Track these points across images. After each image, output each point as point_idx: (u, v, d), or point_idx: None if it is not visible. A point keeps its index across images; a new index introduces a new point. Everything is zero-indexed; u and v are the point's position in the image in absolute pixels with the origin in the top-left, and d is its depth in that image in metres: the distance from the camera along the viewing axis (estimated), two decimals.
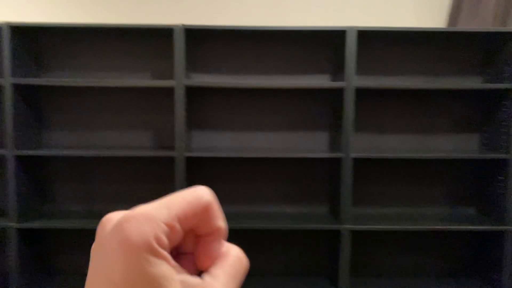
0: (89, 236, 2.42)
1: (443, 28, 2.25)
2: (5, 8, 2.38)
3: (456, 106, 2.41)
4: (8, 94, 2.07)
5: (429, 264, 2.47)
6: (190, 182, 2.34)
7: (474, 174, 2.44)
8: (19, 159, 2.14)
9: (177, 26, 2.06)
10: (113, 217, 0.29)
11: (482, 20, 3.10)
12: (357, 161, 2.21)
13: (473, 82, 2.40)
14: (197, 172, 2.42)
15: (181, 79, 2.10)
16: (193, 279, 0.29)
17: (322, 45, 2.38)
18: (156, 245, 0.26)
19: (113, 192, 2.42)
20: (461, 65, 2.40)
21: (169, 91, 2.36)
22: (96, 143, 2.40)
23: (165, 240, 0.27)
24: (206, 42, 2.37)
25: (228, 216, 2.34)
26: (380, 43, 2.39)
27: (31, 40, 2.27)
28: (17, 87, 2.12)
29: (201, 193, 0.31)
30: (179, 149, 2.13)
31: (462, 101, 2.41)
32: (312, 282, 2.38)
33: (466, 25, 3.23)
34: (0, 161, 2.38)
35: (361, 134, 2.41)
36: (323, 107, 2.41)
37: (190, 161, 2.32)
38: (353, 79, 2.12)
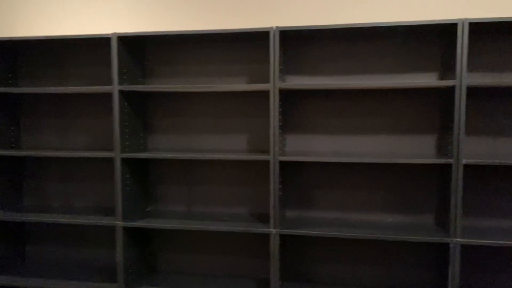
0: (189, 236, 2.50)
1: None
2: (111, 19, 2.56)
3: None
4: (116, 100, 2.20)
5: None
6: (285, 186, 2.30)
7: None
8: (125, 161, 2.27)
9: (271, 28, 2.03)
10: None
11: None
12: (469, 168, 1.98)
13: None
14: (293, 176, 2.37)
15: (275, 82, 2.06)
16: None
17: (428, 40, 2.19)
18: None
19: (211, 194, 2.47)
20: None
21: (265, 94, 2.35)
22: (195, 147, 2.46)
23: None
24: (302, 43, 2.31)
25: (324, 223, 2.26)
26: (494, 36, 2.13)
27: (136, 48, 2.40)
28: (123, 94, 2.25)
29: None
30: (273, 152, 2.09)
31: None
32: None
33: None
34: (108, 164, 2.56)
35: (473, 138, 2.17)
36: (430, 108, 2.21)
37: (285, 165, 2.27)
38: (465, 77, 1.91)
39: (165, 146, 2.50)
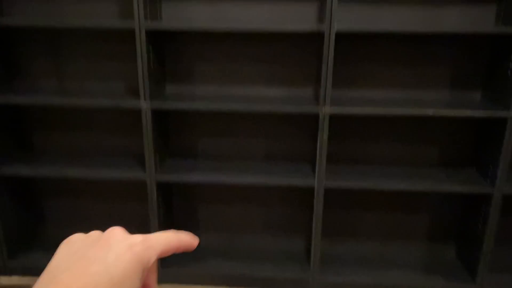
0: (63, 113, 2.34)
1: None
2: None
3: None
4: None
5: (420, 152, 2.28)
6: (160, 59, 2.14)
7: (485, 51, 2.11)
8: None
9: None
10: (119, 234, 0.39)
11: None
12: (342, 36, 1.92)
13: None
14: (169, 49, 2.20)
15: None
16: None
17: None
18: (147, 266, 0.38)
19: (83, 68, 2.27)
20: None
21: None
22: (60, 14, 2.19)
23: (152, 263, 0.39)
24: None
25: (207, 97, 2.18)
26: None
27: None
28: None
29: (181, 245, 0.43)
30: (137, 20, 1.89)
31: None
32: (292, 167, 2.26)
33: None
34: None
35: (353, 5, 2.07)
36: None
37: (158, 36, 2.09)
38: None
39: (24, 11, 2.20)
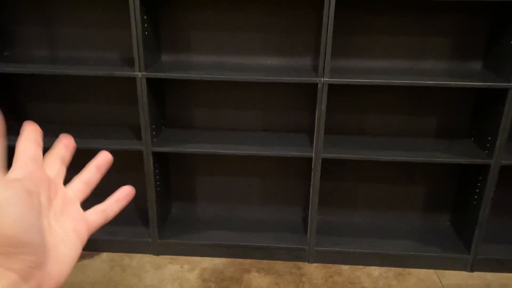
0: (56, 82, 2.30)
1: None
2: None
3: None
4: None
5: (418, 122, 2.26)
6: (153, 28, 2.08)
7: (487, 20, 2.07)
8: None
9: None
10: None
11: None
12: (342, 4, 1.86)
13: None
14: (168, 12, 2.14)
15: None
16: None
17: None
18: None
19: (76, 36, 2.21)
20: None
21: None
22: None
23: None
24: None
25: (204, 67, 2.13)
26: None
27: None
28: None
29: None
30: None
31: None
32: (290, 137, 2.24)
33: None
34: None
35: None
36: None
37: (152, 4, 2.03)
38: None
39: None
